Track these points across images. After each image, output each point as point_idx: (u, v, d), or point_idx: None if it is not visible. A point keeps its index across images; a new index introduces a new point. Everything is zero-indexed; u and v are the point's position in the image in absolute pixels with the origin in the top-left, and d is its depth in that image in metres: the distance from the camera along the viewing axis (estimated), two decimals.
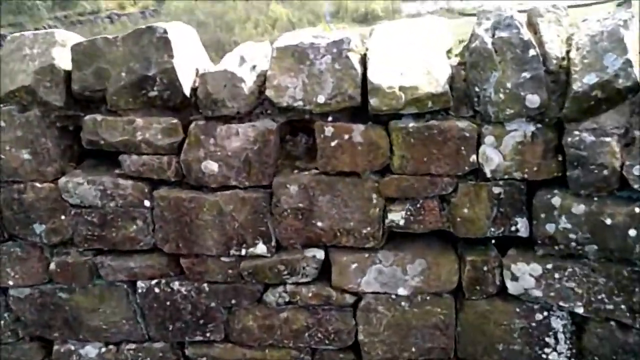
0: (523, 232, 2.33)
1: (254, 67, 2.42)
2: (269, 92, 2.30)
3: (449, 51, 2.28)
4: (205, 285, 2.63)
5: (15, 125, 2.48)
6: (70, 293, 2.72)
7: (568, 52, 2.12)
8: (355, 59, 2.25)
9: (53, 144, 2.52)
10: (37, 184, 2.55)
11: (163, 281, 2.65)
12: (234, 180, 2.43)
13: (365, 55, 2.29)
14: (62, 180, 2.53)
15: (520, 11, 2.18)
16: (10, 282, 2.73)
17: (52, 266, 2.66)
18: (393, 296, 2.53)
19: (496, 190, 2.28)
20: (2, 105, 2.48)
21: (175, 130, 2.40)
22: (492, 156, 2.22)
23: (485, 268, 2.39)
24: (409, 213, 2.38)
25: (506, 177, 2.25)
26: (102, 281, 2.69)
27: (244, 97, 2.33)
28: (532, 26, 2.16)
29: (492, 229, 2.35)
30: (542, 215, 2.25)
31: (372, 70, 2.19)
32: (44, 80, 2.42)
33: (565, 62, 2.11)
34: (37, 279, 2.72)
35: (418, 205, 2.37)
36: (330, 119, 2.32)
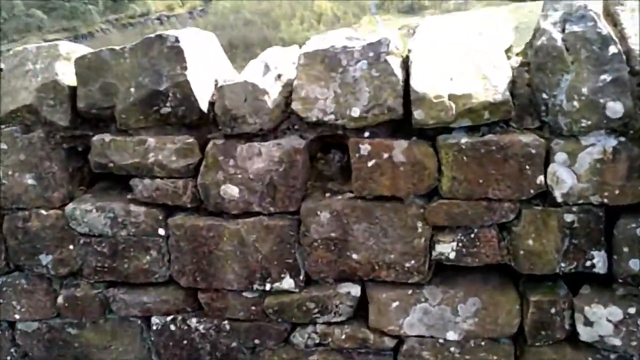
0: (600, 267, 1.94)
1: (279, 76, 2.13)
2: (295, 106, 2.00)
3: (508, 50, 1.93)
4: (225, 323, 2.32)
5: (18, 148, 2.26)
6: (80, 329, 2.47)
7: None
8: (395, 63, 1.92)
9: (59, 168, 2.28)
10: (43, 211, 2.31)
11: (179, 317, 2.36)
12: (257, 206, 2.13)
13: (407, 57, 1.96)
14: (69, 207, 2.28)
15: None
16: (17, 316, 2.49)
17: (60, 300, 2.41)
18: (441, 340, 2.16)
19: (568, 217, 1.90)
20: (3, 126, 2.27)
21: (191, 151, 2.13)
22: (564, 177, 1.84)
23: (552, 310, 2.00)
24: (460, 244, 2.03)
25: (581, 202, 1.86)
26: (114, 316, 2.43)
27: (267, 112, 2.03)
28: (611, 17, 1.79)
29: (563, 265, 1.96)
30: (625, 249, 1.86)
31: (415, 76, 1.86)
32: (47, 98, 2.19)
33: None
34: (44, 313, 2.47)
35: (472, 235, 2.01)
36: (366, 134, 1.99)
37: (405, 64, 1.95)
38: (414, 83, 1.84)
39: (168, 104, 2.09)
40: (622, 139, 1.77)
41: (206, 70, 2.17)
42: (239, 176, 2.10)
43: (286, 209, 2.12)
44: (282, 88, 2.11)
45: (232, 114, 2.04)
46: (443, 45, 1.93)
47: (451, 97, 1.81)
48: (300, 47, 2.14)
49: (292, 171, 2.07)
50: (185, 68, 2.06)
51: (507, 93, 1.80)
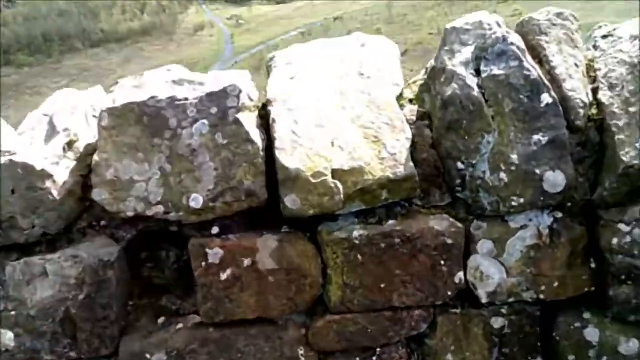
0: None
1: (70, 143, 1.40)
2: (98, 195, 1.28)
3: (399, 97, 1.40)
4: None
5: None
6: None
7: (595, 91, 1.33)
8: (250, 122, 1.30)
9: None
10: None
11: None
12: (48, 354, 1.36)
13: (266, 111, 1.35)
14: None
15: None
16: None
17: None
18: None
19: (496, 322, 1.42)
20: None
21: None
22: (490, 271, 1.36)
23: None
24: None
25: (512, 300, 1.40)
26: None
27: (51, 207, 1.29)
28: (533, 50, 1.35)
29: None
30: (571, 357, 1.41)
31: (281, 142, 1.26)
32: None
33: (594, 110, 1.32)
34: None
35: (374, 358, 1.44)
36: (215, 230, 1.34)
37: (266, 121, 1.34)
38: (281, 155, 1.23)
39: None
40: (559, 214, 1.33)
41: None
42: (12, 313, 1.31)
43: (96, 354, 1.37)
44: (77, 162, 1.38)
45: None
46: (314, 92, 1.35)
47: (336, 173, 1.24)
48: (107, 91, 1.43)
49: (100, 296, 1.33)
50: None
51: (411, 164, 1.27)
